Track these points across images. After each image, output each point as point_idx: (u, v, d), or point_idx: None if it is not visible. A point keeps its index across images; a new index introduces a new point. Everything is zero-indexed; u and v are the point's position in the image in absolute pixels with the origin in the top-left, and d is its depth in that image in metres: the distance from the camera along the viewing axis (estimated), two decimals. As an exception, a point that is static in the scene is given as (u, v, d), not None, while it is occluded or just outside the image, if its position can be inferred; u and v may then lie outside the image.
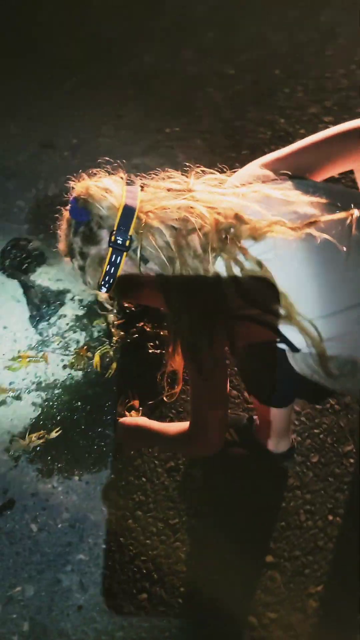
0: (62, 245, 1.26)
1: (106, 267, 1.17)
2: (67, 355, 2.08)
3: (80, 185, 1.21)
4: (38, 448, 1.89)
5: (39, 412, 1.97)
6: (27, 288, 2.23)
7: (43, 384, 2.03)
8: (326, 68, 2.77)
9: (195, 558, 1.69)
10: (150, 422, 1.58)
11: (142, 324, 2.07)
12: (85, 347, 2.06)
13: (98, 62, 2.96)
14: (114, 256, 1.16)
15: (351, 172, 1.41)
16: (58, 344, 2.11)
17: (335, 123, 1.19)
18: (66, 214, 1.24)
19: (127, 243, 1.15)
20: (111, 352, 2.03)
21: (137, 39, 3.01)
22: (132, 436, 1.61)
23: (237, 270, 1.09)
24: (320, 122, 2.57)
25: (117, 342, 2.03)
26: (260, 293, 1.10)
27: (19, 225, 2.43)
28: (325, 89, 2.69)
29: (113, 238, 1.15)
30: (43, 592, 1.68)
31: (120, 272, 1.18)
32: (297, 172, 1.22)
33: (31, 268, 2.29)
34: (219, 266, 1.11)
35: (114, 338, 2.04)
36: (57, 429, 1.91)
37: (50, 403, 1.98)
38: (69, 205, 1.21)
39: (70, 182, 1.27)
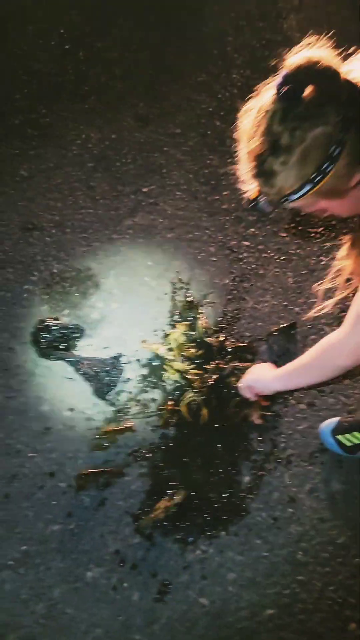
0: (259, 144, 1.02)
1: (331, 149, 0.97)
2: (150, 416, 1.92)
3: (299, 57, 0.98)
4: (167, 518, 1.69)
5: (150, 481, 1.78)
6: (75, 364, 2.05)
7: (140, 453, 1.84)
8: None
9: (378, 567, 1.60)
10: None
11: (215, 363, 1.99)
12: (169, 402, 1.92)
13: (48, 146, 2.92)
14: (341, 134, 0.96)
15: None
16: (136, 409, 1.94)
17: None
18: (268, 99, 1.02)
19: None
20: (197, 398, 1.91)
21: (75, 120, 3.04)
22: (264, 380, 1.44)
23: None
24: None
25: (199, 386, 1.93)
26: None
27: (36, 308, 2.25)
28: (267, 130, 2.92)
29: (344, 111, 0.96)
30: (247, 666, 1.47)
31: (343, 154, 0.98)
32: None
33: (71, 345, 2.11)
34: None
35: (194, 383, 1.94)
36: (179, 492, 1.73)
37: (158, 469, 1.80)
38: (279, 86, 0.98)
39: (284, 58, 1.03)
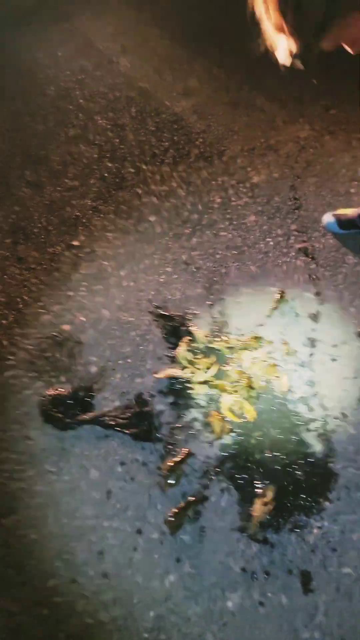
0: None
1: None
2: (200, 432, 1.88)
3: None
4: (270, 515, 1.66)
5: (236, 491, 1.73)
6: (102, 421, 1.94)
7: (211, 469, 1.79)
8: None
9: None
10: None
11: (232, 362, 2.01)
12: (212, 413, 1.90)
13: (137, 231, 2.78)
14: None
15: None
16: (184, 433, 1.89)
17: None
18: None
19: None
20: (235, 399, 1.91)
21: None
22: None
23: None
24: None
25: (232, 388, 1.93)
26: None
27: (31, 389, 2.10)
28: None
29: None
30: None
31: None
32: None
33: (88, 405, 2.01)
34: None
35: (225, 387, 1.93)
36: (268, 487, 1.71)
37: (236, 477, 1.76)
38: None
39: None
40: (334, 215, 2.35)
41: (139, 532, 1.67)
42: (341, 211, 2.35)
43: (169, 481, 1.75)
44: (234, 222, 2.57)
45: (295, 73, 1.34)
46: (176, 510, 1.68)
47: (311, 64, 1.26)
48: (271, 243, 2.44)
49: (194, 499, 1.71)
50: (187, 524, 1.66)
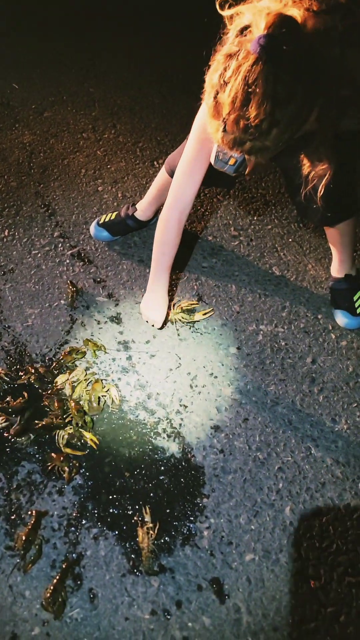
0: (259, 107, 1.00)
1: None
2: (43, 484, 1.56)
3: (263, 15, 0.98)
4: (157, 539, 1.48)
5: (109, 530, 1.49)
6: None
7: (73, 520, 1.50)
8: None
9: None
10: None
11: (47, 392, 1.73)
12: (52, 456, 1.60)
13: None
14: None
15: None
16: (22, 495, 1.54)
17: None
18: (247, 65, 0.99)
19: None
20: (68, 431, 1.65)
21: None
22: None
23: None
24: None
25: (60, 421, 1.66)
26: None
27: None
28: None
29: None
30: None
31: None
32: None
33: None
34: None
35: (55, 422, 1.66)
36: (143, 511, 1.53)
37: (104, 514, 1.52)
38: (263, 48, 0.96)
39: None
40: (101, 225, 2.22)
41: (14, 637, 1.29)
42: (105, 218, 2.24)
43: (29, 558, 1.40)
44: (-13, 241, 2.22)
45: None
46: (52, 588, 1.34)
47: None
48: (39, 255, 2.19)
49: (66, 564, 1.40)
50: (71, 597, 1.35)
